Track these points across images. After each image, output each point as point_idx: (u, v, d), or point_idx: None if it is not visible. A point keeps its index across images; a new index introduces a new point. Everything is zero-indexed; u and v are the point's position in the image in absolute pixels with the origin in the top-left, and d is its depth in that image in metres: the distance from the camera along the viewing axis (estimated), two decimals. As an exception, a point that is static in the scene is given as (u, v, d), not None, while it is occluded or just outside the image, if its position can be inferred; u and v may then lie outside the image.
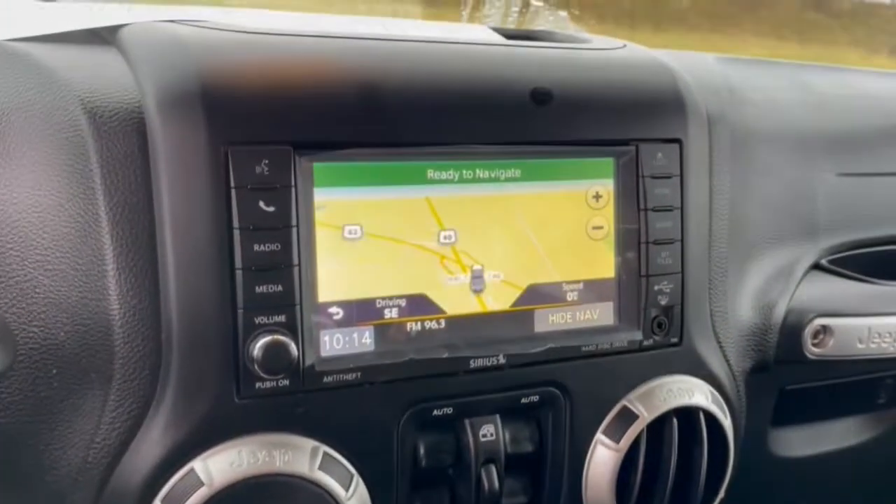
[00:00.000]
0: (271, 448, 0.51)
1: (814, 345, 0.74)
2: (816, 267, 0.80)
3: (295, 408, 0.52)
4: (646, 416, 0.61)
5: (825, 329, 0.74)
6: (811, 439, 0.90)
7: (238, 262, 0.50)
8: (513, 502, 0.62)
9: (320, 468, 0.52)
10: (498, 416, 0.59)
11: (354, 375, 0.53)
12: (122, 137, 0.51)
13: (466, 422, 0.58)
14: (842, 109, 0.86)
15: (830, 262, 0.81)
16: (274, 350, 0.50)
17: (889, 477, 0.97)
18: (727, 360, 0.69)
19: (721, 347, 0.68)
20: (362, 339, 0.55)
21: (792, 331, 0.73)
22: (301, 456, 0.51)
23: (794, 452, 0.87)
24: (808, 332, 0.74)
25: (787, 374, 0.82)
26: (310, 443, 0.52)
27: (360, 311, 0.54)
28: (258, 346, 0.50)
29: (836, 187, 0.82)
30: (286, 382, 0.51)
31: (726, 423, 0.65)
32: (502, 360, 0.57)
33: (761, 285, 0.74)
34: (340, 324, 0.54)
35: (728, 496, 0.79)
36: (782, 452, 0.86)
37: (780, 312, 0.73)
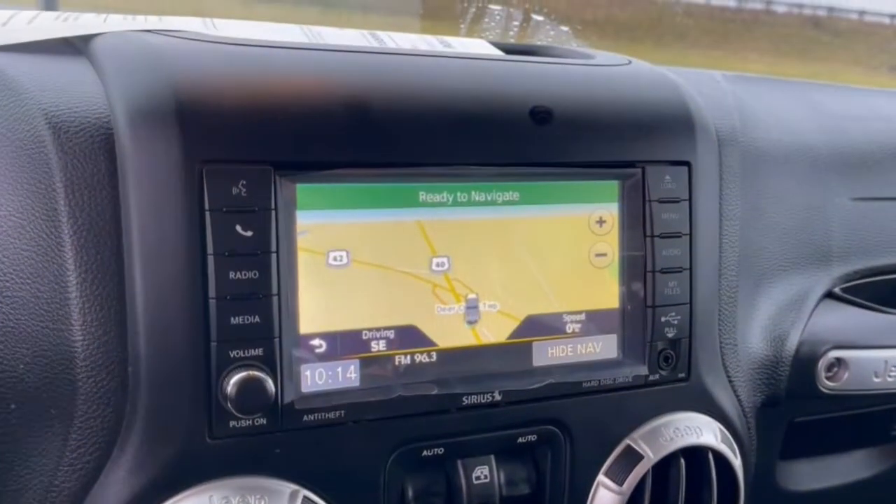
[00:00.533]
0: (245, 493, 0.47)
1: (828, 378, 0.70)
2: (829, 296, 0.76)
3: (273, 449, 0.48)
4: (651, 456, 0.57)
5: (840, 362, 0.70)
6: (820, 472, 0.86)
7: (212, 291, 0.46)
8: None
9: None
10: (493, 457, 0.55)
11: (338, 413, 0.49)
12: (88, 155, 0.47)
13: (459, 463, 0.54)
14: (856, 131, 0.82)
15: (844, 290, 0.77)
16: (249, 386, 0.46)
17: None
18: (737, 396, 0.65)
19: (731, 382, 0.64)
20: (347, 374, 0.51)
21: (805, 363, 0.69)
22: (278, 501, 0.47)
23: (802, 486, 0.83)
24: (821, 364, 0.70)
25: (798, 407, 0.78)
26: (288, 487, 0.48)
27: (345, 344, 0.50)
28: (232, 382, 0.46)
29: (850, 212, 0.78)
30: (263, 421, 0.47)
31: (736, 462, 0.61)
32: (498, 397, 0.53)
33: (773, 316, 0.70)
34: (323, 357, 0.50)
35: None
36: (791, 486, 0.81)
37: (792, 344, 0.69)
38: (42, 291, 0.46)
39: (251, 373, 0.46)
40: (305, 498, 0.48)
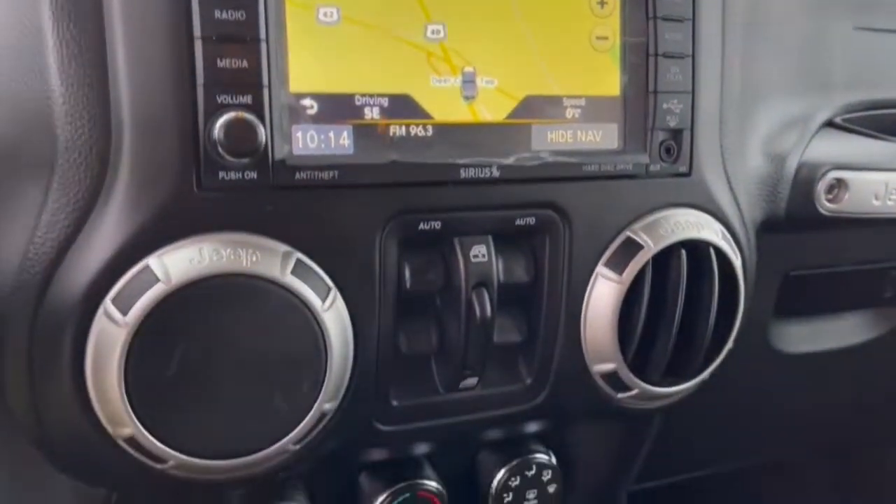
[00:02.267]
0: (237, 247, 0.45)
1: (828, 200, 0.69)
2: (830, 124, 0.74)
3: (264, 205, 0.46)
4: (651, 246, 0.56)
5: (840, 183, 0.69)
6: (813, 335, 0.86)
7: (197, 30, 0.44)
8: (505, 340, 0.57)
9: (293, 273, 0.46)
10: (490, 238, 0.53)
11: (331, 174, 0.48)
12: None
13: (456, 241, 0.52)
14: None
15: (845, 120, 0.76)
16: (238, 128, 0.44)
17: (889, 379, 0.93)
18: (737, 204, 0.63)
19: (731, 189, 0.63)
20: (340, 140, 0.49)
21: (805, 184, 0.68)
22: (272, 258, 0.46)
23: (795, 348, 0.83)
24: (821, 185, 0.68)
25: (794, 252, 0.78)
26: (282, 247, 0.47)
27: (338, 108, 0.48)
28: (220, 123, 0.44)
29: (853, 42, 0.76)
30: (253, 175, 0.46)
31: (737, 262, 0.60)
32: (496, 173, 0.52)
33: (773, 135, 0.68)
34: (316, 119, 0.48)
35: (725, 390, 0.75)
36: (784, 348, 0.82)
37: (792, 164, 0.68)
38: (14, 37, 0.44)
39: (239, 114, 0.44)
40: (299, 260, 0.47)
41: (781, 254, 0.75)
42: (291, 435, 0.48)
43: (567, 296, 0.56)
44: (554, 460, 0.69)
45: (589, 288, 0.56)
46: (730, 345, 0.61)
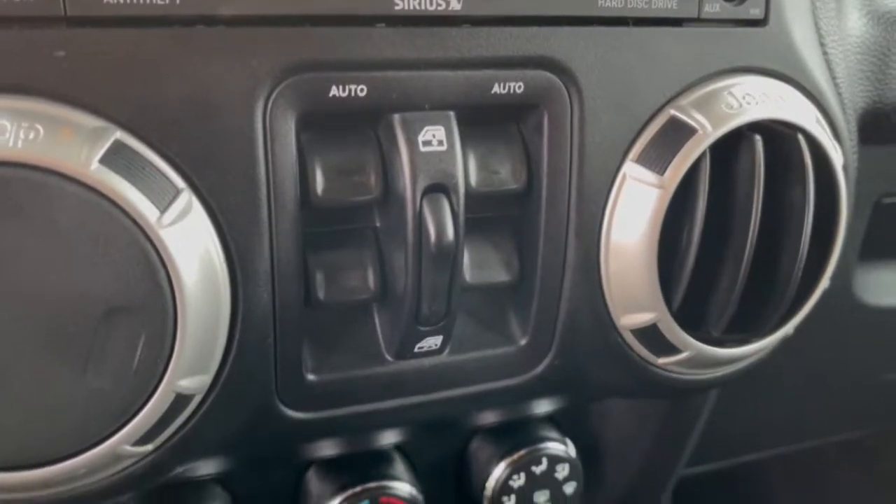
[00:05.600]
0: (9, 117, 0.27)
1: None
2: None
3: (52, 49, 0.28)
4: (708, 129, 0.36)
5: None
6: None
7: None
8: (485, 280, 0.38)
9: (105, 163, 0.28)
10: (452, 115, 0.34)
11: (165, 1, 0.29)
12: None
13: (395, 118, 0.33)
14: None
15: None
16: None
17: None
18: (834, 78, 0.43)
19: (825, 54, 0.43)
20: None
21: None
22: (70, 138, 0.27)
23: (880, 300, 0.66)
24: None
25: (891, 170, 0.58)
26: (90, 119, 0.28)
27: None
28: None
29: None
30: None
31: (837, 160, 0.39)
32: (456, 5, 0.32)
33: None
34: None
35: (798, 352, 0.56)
36: (868, 299, 0.65)
37: None
38: None
39: None
40: (119, 142, 0.28)
41: (874, 173, 0.55)
42: (127, 430, 0.30)
43: (578, 210, 0.37)
44: (572, 451, 0.50)
45: (612, 197, 0.37)
46: (825, 283, 0.41)
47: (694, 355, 0.40)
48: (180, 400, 0.31)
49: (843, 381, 0.72)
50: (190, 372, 0.31)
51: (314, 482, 0.47)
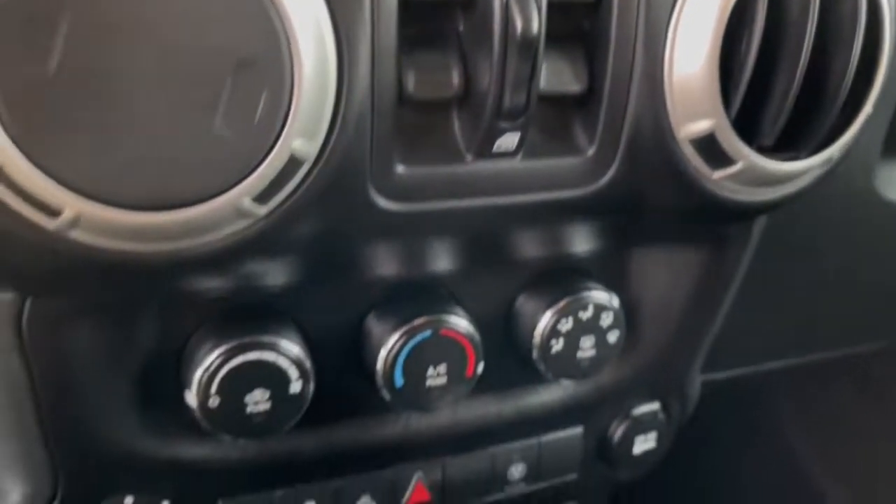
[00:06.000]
0: None
1: None
2: None
3: None
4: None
5: None
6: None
7: None
8: (558, 90, 0.40)
9: None
10: None
11: None
12: None
13: None
14: None
15: None
16: None
17: None
18: None
19: None
20: None
21: None
22: None
23: None
24: None
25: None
26: None
27: None
28: None
29: None
30: None
31: None
32: None
33: None
34: None
35: (819, 252, 0.62)
36: (891, 195, 0.65)
37: None
38: None
39: None
40: None
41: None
42: (248, 182, 0.32)
43: (646, 20, 0.39)
44: (616, 301, 0.53)
45: (677, 7, 0.39)
46: (868, 109, 0.44)
47: (746, 168, 0.42)
48: (293, 162, 0.33)
49: (858, 289, 0.73)
50: (303, 132, 0.33)
51: (374, 323, 0.50)
